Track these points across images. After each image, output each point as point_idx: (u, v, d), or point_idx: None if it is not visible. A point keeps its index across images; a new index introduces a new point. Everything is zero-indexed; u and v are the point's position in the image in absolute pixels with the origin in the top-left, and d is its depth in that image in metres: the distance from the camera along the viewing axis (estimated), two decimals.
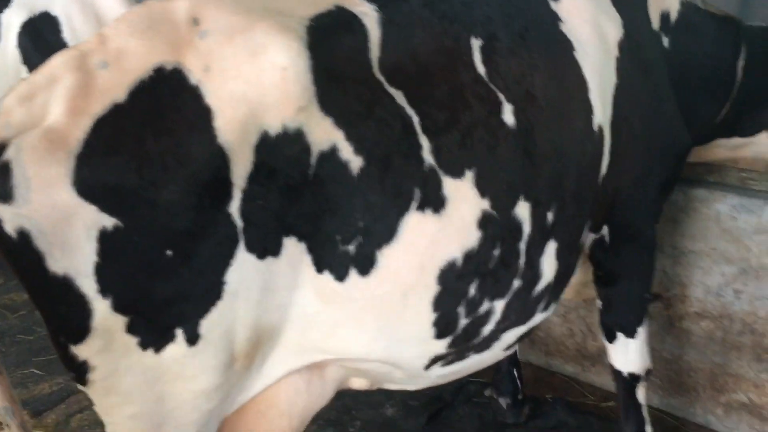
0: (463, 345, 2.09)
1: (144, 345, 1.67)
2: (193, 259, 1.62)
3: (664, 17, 2.61)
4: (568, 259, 2.25)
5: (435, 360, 2.10)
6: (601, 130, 2.20)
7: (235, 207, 1.65)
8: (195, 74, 1.63)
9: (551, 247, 2.13)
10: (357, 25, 1.83)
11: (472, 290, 1.97)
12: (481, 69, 1.98)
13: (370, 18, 1.86)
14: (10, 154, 1.50)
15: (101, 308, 1.58)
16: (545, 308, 2.28)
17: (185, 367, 1.71)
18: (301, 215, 1.72)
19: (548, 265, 2.14)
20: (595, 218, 2.38)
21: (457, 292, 1.94)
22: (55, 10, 4.09)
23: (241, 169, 1.63)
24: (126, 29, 1.67)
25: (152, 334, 1.66)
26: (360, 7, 1.87)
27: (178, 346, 1.68)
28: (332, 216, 1.75)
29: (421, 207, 1.83)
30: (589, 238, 2.47)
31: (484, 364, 2.34)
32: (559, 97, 2.09)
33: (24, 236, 1.51)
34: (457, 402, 3.52)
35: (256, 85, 1.65)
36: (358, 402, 3.52)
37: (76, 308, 1.58)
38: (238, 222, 1.66)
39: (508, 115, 1.97)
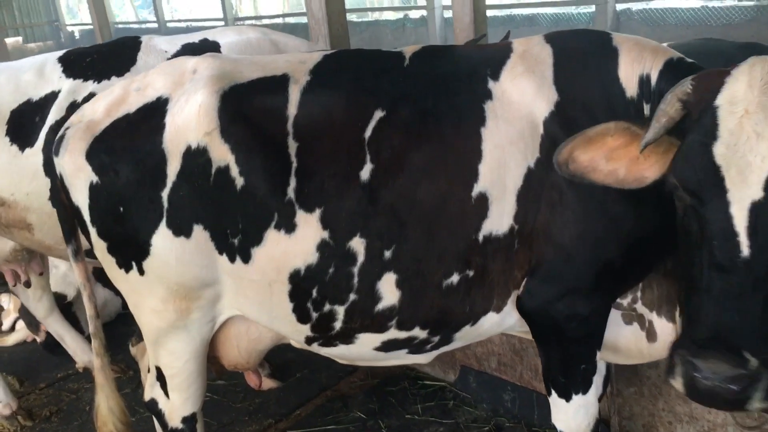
0: (324, 333, 2.68)
1: (118, 265, 2.67)
2: (132, 219, 2.55)
3: (643, 81, 2.41)
4: (419, 292, 2.55)
5: (310, 339, 2.75)
6: (483, 195, 2.46)
7: (165, 193, 2.51)
8: (173, 102, 2.55)
9: (389, 277, 2.51)
10: (282, 89, 2.55)
11: (314, 293, 2.56)
12: (367, 134, 2.48)
13: (298, 85, 2.56)
14: (67, 131, 2.65)
15: (93, 232, 2.65)
16: (401, 328, 2.62)
17: (139, 287, 2.68)
18: (204, 210, 2.50)
19: (387, 290, 2.54)
20: (510, 274, 2.56)
21: (303, 291, 2.56)
22: None
23: (173, 167, 2.49)
24: (159, 70, 2.71)
25: (120, 259, 2.65)
26: (298, 75, 2.58)
27: (135, 273, 2.64)
28: (224, 215, 2.51)
29: (278, 227, 2.49)
30: (513, 293, 2.63)
31: (367, 358, 2.86)
32: (433, 164, 2.47)
33: (61, 176, 2.67)
34: None
35: (187, 113, 2.50)
36: None
37: (85, 228, 2.69)
38: (165, 204, 2.51)
39: (365, 173, 2.46)
